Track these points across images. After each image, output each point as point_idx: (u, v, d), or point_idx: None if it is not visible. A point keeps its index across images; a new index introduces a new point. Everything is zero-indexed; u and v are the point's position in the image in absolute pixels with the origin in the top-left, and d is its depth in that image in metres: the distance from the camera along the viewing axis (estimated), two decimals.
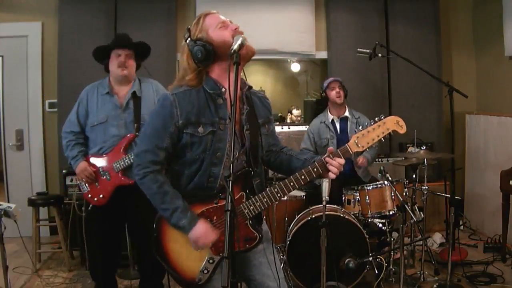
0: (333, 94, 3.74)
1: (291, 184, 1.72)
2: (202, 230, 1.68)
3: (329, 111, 3.85)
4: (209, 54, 1.70)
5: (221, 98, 1.74)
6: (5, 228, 2.47)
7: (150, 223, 2.66)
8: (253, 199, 1.73)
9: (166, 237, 1.77)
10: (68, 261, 3.74)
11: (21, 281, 3.48)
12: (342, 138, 3.76)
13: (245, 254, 1.81)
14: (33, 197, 3.82)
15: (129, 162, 2.76)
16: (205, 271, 1.73)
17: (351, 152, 1.75)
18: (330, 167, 1.72)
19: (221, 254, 1.72)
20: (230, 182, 1.43)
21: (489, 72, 4.80)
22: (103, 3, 4.47)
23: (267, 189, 1.73)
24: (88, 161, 2.84)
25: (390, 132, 1.76)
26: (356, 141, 1.74)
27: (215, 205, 1.73)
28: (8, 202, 3.62)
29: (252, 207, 1.72)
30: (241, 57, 1.63)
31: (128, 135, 2.80)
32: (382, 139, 1.76)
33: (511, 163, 3.73)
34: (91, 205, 2.92)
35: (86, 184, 2.86)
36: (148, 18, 4.53)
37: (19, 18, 4.54)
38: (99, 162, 2.83)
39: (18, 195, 4.40)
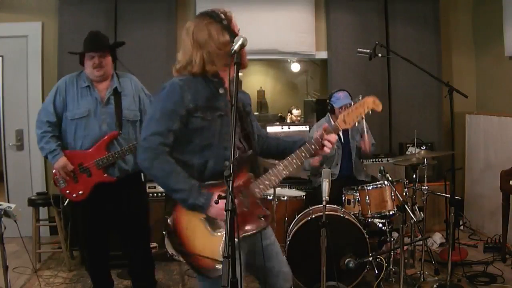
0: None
1: (294, 161, 1.83)
2: (222, 203, 1.68)
3: (333, 121, 3.78)
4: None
5: (222, 88, 1.82)
6: (5, 228, 2.47)
7: (139, 222, 2.72)
8: (261, 178, 1.81)
9: (181, 230, 1.76)
10: (68, 261, 3.74)
11: (21, 281, 3.48)
12: (347, 147, 3.81)
13: (264, 247, 1.87)
14: (33, 197, 3.82)
15: (112, 159, 2.76)
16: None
17: (340, 128, 1.94)
18: (325, 142, 1.88)
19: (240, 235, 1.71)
20: (230, 181, 1.43)
21: (489, 72, 4.80)
22: (103, 3, 4.46)
23: (272, 168, 1.82)
24: (66, 156, 2.79)
25: (369, 111, 1.96)
26: (344, 119, 1.94)
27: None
28: (8, 202, 3.62)
29: (262, 186, 1.80)
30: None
31: (111, 132, 2.77)
32: (363, 116, 1.96)
33: (511, 163, 3.73)
34: (67, 200, 2.89)
35: (63, 180, 2.82)
36: (148, 18, 4.53)
37: (19, 18, 4.53)
38: (79, 158, 2.79)
39: (18, 195, 4.39)
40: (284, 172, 1.82)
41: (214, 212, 1.70)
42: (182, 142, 1.77)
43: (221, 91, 1.81)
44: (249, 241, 1.83)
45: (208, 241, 1.74)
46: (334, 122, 3.78)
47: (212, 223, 1.74)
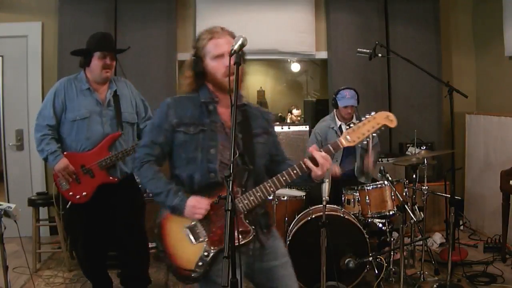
0: (344, 111, 3.66)
1: (283, 178, 1.79)
2: (194, 200, 1.77)
3: (337, 117, 3.80)
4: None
5: (212, 105, 1.87)
6: (5, 228, 2.46)
7: (136, 221, 2.60)
8: (247, 193, 1.79)
9: (165, 232, 1.85)
10: (68, 261, 3.74)
11: (21, 281, 3.47)
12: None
13: (269, 268, 1.88)
14: (33, 197, 3.82)
15: (115, 160, 2.77)
16: (200, 264, 1.78)
17: (341, 146, 1.83)
18: (317, 157, 1.76)
19: (214, 248, 1.78)
20: (230, 181, 1.44)
21: (489, 72, 4.80)
22: (103, 3, 4.47)
23: (260, 185, 1.80)
24: (66, 158, 2.76)
25: (381, 127, 1.82)
26: (347, 137, 1.83)
27: (213, 200, 1.79)
28: (8, 202, 3.62)
29: (246, 201, 1.78)
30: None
31: (114, 133, 2.80)
32: (374, 134, 1.83)
33: (511, 163, 3.73)
34: (70, 203, 2.86)
35: (65, 182, 2.79)
36: (148, 18, 4.54)
37: (19, 18, 4.54)
38: (79, 159, 2.77)
39: (18, 195, 4.40)
40: (271, 189, 1.78)
41: (188, 212, 1.77)
42: (172, 157, 1.89)
43: (210, 107, 1.86)
44: (244, 259, 1.78)
45: (187, 250, 1.79)
46: (338, 119, 3.82)
47: (194, 232, 1.80)
